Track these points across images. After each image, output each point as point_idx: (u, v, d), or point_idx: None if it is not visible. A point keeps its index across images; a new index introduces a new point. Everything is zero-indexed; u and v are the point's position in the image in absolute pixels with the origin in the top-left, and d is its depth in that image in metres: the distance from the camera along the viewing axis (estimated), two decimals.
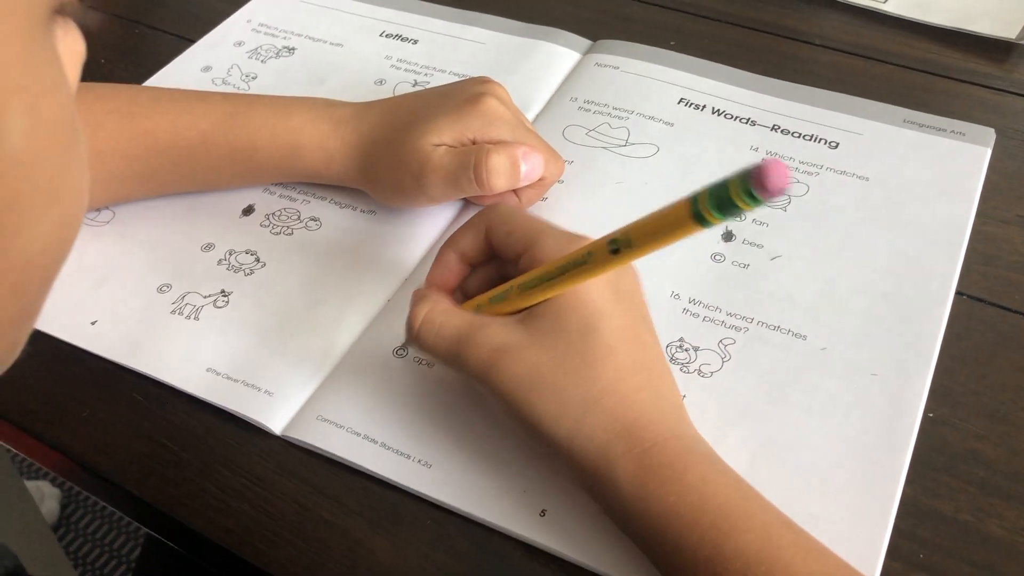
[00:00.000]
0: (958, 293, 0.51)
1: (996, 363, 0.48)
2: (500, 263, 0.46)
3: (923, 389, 0.46)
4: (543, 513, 0.43)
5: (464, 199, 0.57)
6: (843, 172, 0.57)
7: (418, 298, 0.44)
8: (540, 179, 0.53)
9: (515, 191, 0.54)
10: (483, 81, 0.55)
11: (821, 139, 0.59)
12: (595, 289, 0.41)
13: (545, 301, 0.41)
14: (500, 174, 0.50)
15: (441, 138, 0.51)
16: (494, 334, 0.41)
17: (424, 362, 0.49)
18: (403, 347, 0.50)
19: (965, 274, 0.52)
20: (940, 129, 0.59)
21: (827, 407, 0.46)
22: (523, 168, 0.51)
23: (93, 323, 0.52)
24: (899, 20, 0.71)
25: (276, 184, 0.60)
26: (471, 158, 0.50)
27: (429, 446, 0.46)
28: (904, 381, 0.46)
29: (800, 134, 0.60)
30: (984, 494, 0.44)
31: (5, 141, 0.21)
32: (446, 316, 0.43)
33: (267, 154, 0.55)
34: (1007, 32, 0.68)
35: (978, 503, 0.43)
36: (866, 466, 0.43)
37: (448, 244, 0.46)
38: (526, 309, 0.42)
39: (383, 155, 0.53)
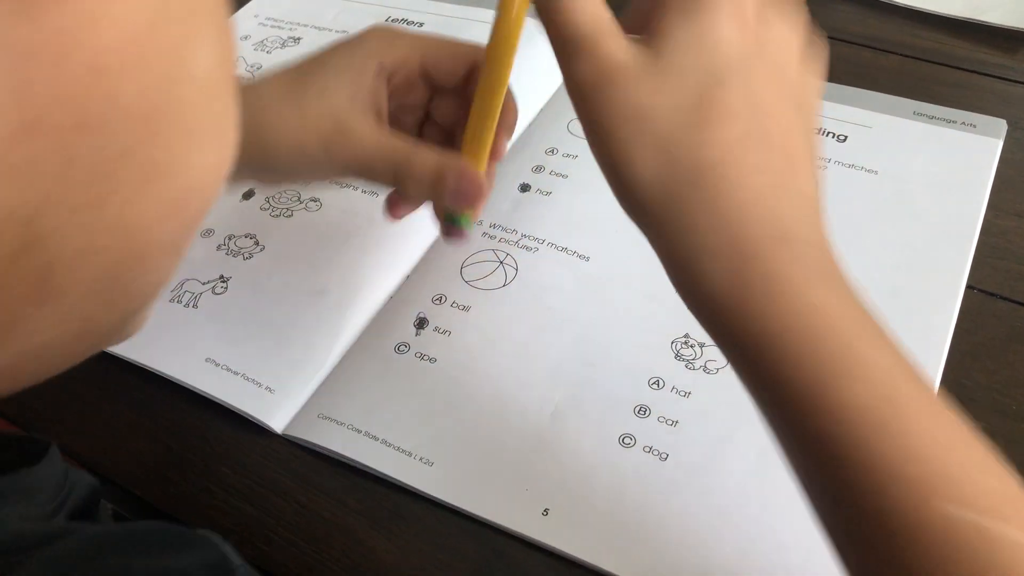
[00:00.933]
0: (969, 287, 0.50)
1: (1007, 358, 0.48)
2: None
3: (935, 384, 0.46)
4: (546, 512, 0.42)
5: None
6: (851, 165, 0.56)
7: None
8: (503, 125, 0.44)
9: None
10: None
11: (829, 132, 0.59)
12: (734, 32, 0.33)
13: (679, 28, 0.33)
14: (422, 186, 0.42)
15: (343, 92, 0.43)
16: (617, 49, 0.33)
17: (427, 358, 0.49)
18: (404, 343, 0.49)
19: (977, 268, 0.51)
20: (950, 121, 0.59)
21: None
22: (448, 190, 0.42)
23: None
24: (909, 10, 0.70)
25: None
26: (396, 154, 0.43)
27: (431, 444, 0.45)
28: None
29: None
30: None
31: (196, 67, 0.22)
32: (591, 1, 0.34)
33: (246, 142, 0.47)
34: (1019, 22, 0.67)
35: None
36: None
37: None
38: (660, 33, 0.33)
39: (283, 111, 0.43)
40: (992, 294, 0.51)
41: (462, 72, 0.44)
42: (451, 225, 0.43)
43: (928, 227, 0.52)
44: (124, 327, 0.29)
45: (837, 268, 0.32)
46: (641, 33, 0.34)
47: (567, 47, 0.33)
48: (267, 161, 0.43)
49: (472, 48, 0.44)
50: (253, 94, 0.43)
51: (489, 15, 0.68)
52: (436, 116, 0.46)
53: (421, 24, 0.70)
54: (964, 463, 0.29)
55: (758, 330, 0.30)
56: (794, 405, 0.30)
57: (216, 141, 0.25)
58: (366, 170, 0.43)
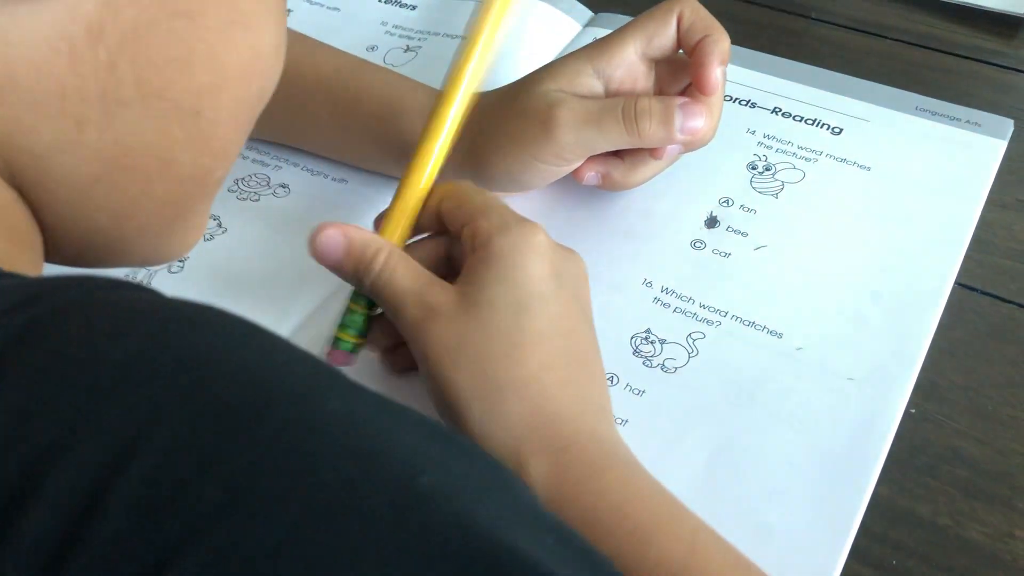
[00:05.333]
0: None
1: (986, 355, 0.47)
2: (449, 240, 0.44)
3: (903, 396, 0.44)
4: None
5: None
6: (844, 160, 0.55)
7: (378, 233, 0.42)
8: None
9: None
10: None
11: (824, 124, 0.57)
12: (535, 268, 0.39)
13: (485, 270, 0.39)
14: (652, 117, 0.46)
15: (559, 83, 0.48)
16: (433, 294, 0.39)
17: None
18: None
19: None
20: (954, 118, 0.56)
21: (796, 412, 0.44)
22: (678, 119, 0.46)
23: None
24: None
25: (249, 146, 0.58)
26: (619, 100, 0.46)
27: None
28: (884, 387, 0.44)
29: (802, 118, 0.57)
30: (966, 496, 0.42)
31: None
32: (405, 265, 0.40)
33: (369, 111, 0.52)
34: (1016, 7, 0.65)
35: (958, 506, 0.41)
36: (833, 476, 0.41)
37: None
38: (468, 277, 0.39)
39: (498, 113, 0.49)
40: (973, 289, 0.49)
41: (672, 33, 0.47)
42: (347, 352, 0.43)
43: (918, 229, 0.51)
44: (187, 212, 0.34)
45: (633, 457, 0.38)
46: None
47: (396, 301, 0.39)
48: (486, 158, 0.49)
49: (672, 3, 0.47)
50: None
51: None
52: (662, 87, 0.50)
53: (414, 7, 0.69)
54: None
55: (578, 507, 0.35)
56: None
57: (278, 19, 0.32)
58: (595, 122, 0.46)
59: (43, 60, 0.25)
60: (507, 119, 0.48)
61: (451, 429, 0.31)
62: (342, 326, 0.43)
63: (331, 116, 0.54)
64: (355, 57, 0.55)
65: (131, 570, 0.18)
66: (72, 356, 0.20)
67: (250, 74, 0.31)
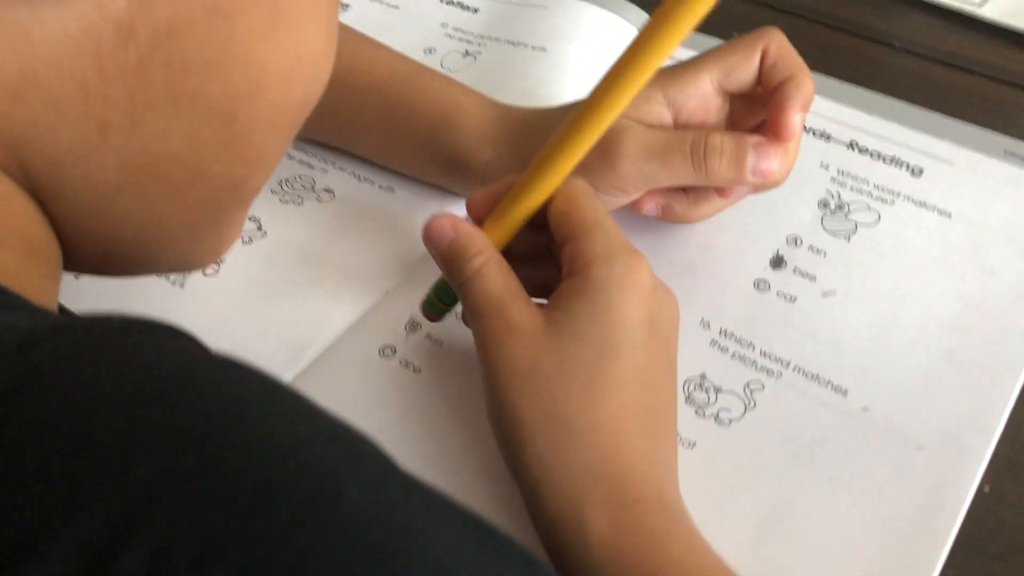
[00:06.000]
0: None
1: None
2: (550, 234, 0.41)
3: (976, 471, 0.41)
4: None
5: None
6: (923, 204, 0.51)
7: (477, 235, 0.40)
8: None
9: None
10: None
11: (903, 163, 0.53)
12: (632, 310, 0.37)
13: (579, 300, 0.37)
14: (723, 155, 0.43)
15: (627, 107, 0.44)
16: (518, 310, 0.37)
17: (411, 366, 0.46)
18: (390, 347, 0.46)
19: None
20: None
21: (858, 478, 0.41)
22: (751, 160, 0.43)
23: (78, 276, 0.49)
24: (996, 27, 0.64)
25: (297, 147, 0.57)
26: (689, 133, 0.44)
27: (402, 458, 0.41)
28: (955, 460, 0.41)
29: (881, 155, 0.54)
30: None
31: None
32: (499, 274, 0.38)
33: (421, 120, 0.50)
34: None
35: None
36: (894, 552, 0.38)
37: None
38: (560, 302, 0.38)
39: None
40: None
41: (754, 69, 0.44)
42: (430, 311, 0.45)
43: (1001, 285, 0.47)
44: (218, 221, 0.32)
45: (693, 524, 0.36)
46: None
47: (478, 308, 0.38)
48: None
49: (757, 37, 0.45)
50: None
51: (552, 0, 0.65)
52: (735, 121, 0.46)
53: (476, 10, 0.67)
54: None
55: (636, 574, 0.33)
56: None
57: (327, 22, 0.30)
58: (660, 156, 0.43)
59: (66, 58, 0.23)
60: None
61: (490, 523, 0.28)
62: (437, 289, 0.43)
63: (382, 122, 0.52)
64: (412, 61, 0.53)
65: None
66: (68, 415, 0.18)
67: (292, 78, 0.29)
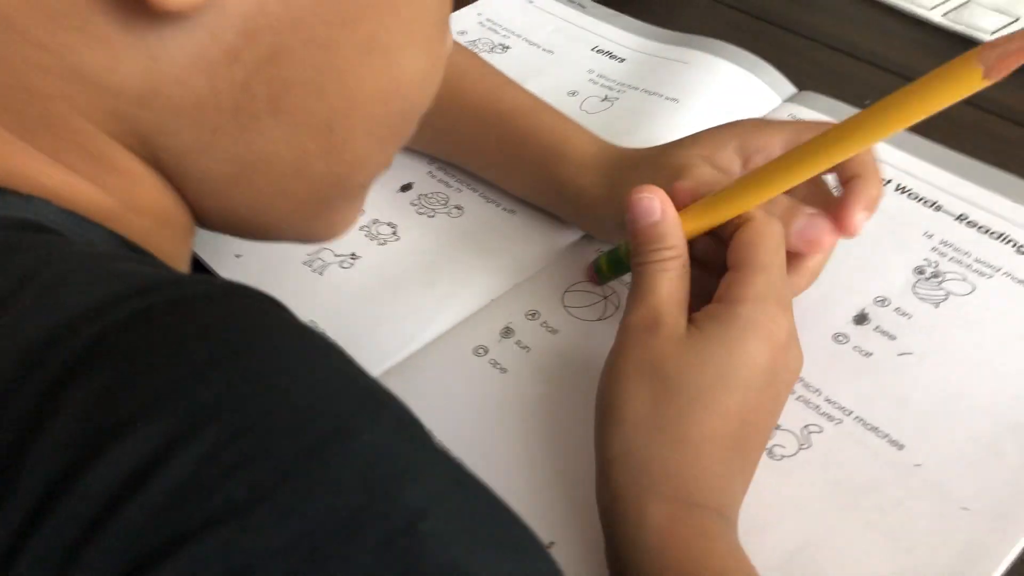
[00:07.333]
0: None
1: None
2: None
3: (1018, 538, 0.41)
4: (551, 544, 0.42)
5: None
6: (1022, 282, 0.51)
7: (678, 229, 0.42)
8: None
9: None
10: None
11: (1010, 239, 0.53)
12: (760, 357, 0.39)
13: (717, 327, 0.39)
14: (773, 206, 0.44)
15: (701, 149, 0.47)
16: (669, 312, 0.40)
17: (498, 367, 0.50)
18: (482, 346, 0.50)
19: None
20: None
21: (897, 528, 0.41)
22: (798, 223, 0.43)
23: (238, 256, 0.57)
24: None
25: (438, 167, 0.62)
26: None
27: (470, 439, 0.46)
28: (999, 524, 0.41)
29: (988, 230, 0.54)
30: None
31: None
32: (676, 276, 0.41)
33: (534, 152, 0.55)
34: None
35: None
36: None
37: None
38: (701, 323, 0.40)
39: (639, 164, 0.50)
40: None
41: None
42: (596, 273, 0.52)
43: None
44: (328, 210, 0.37)
45: (741, 547, 0.38)
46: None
47: (645, 297, 0.40)
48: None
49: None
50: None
51: (691, 54, 0.68)
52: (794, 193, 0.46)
53: (623, 60, 0.71)
54: None
55: (684, 562, 0.36)
56: None
57: (427, 49, 0.34)
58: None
59: (184, 75, 0.28)
60: (639, 168, 0.49)
61: (502, 500, 0.27)
62: (610, 259, 0.49)
63: (499, 150, 0.57)
64: (533, 97, 0.58)
65: (154, 541, 0.20)
66: (162, 347, 0.23)
67: (386, 98, 0.33)
